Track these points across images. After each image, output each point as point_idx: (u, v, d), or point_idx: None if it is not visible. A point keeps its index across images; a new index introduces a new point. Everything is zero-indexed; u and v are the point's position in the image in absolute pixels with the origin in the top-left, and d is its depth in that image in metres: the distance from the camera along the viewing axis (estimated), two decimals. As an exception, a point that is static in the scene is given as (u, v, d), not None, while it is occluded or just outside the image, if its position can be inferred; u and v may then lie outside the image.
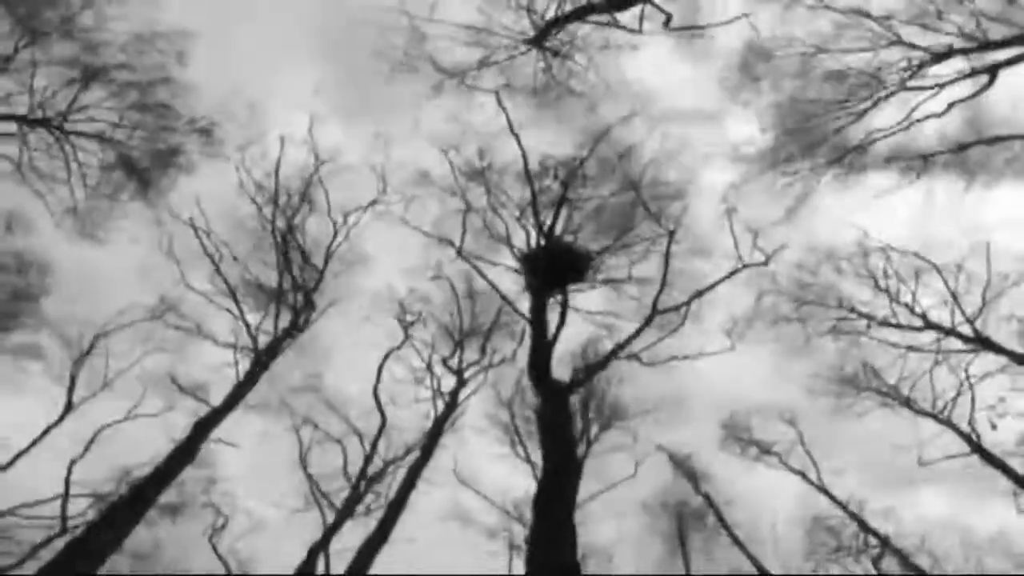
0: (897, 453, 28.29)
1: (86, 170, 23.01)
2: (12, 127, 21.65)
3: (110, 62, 21.76)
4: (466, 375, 29.36)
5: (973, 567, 27.84)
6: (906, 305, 28.40)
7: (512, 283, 27.30)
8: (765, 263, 26.12)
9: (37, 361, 26.42)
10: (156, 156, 23.71)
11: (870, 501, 29.69)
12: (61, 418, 25.39)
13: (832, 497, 29.75)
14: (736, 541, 29.46)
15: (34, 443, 24.47)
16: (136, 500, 20.31)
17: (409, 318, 29.77)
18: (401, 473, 25.70)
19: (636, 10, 22.30)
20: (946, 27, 21.56)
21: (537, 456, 27.33)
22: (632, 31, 22.73)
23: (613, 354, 24.37)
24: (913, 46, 22.13)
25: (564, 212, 26.92)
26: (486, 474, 30.29)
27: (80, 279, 27.31)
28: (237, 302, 27.19)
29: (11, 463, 23.67)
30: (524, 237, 27.08)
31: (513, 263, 26.98)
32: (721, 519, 30.43)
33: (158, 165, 23.93)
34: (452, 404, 28.12)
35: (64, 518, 23.45)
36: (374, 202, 29.58)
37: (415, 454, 25.90)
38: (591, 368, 24.46)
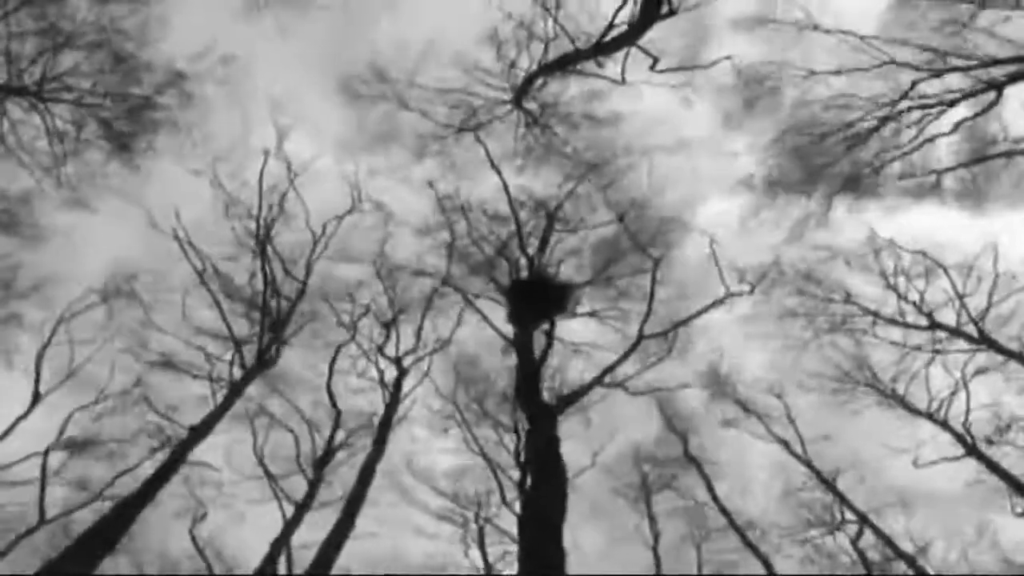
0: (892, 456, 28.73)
1: (66, 136, 23.19)
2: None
3: (81, 24, 21.76)
4: (405, 363, 29.61)
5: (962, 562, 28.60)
6: (913, 304, 28.38)
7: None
8: (751, 292, 26.65)
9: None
10: (131, 112, 23.63)
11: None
12: (29, 410, 26.12)
13: (814, 469, 30.07)
14: (723, 511, 29.78)
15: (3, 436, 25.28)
16: (109, 527, 20.46)
17: (357, 311, 30.24)
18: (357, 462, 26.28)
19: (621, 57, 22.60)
20: (941, 46, 21.38)
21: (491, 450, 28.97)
22: (616, 82, 23.10)
23: (599, 380, 25.08)
24: (908, 65, 21.87)
25: (549, 244, 27.20)
26: (438, 463, 30.84)
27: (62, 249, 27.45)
28: (222, 313, 27.63)
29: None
30: (507, 269, 27.38)
31: (496, 295, 27.28)
32: (709, 484, 30.91)
33: (134, 122, 23.88)
34: (396, 395, 28.30)
35: (42, 509, 24.78)
36: (350, 211, 29.89)
37: (368, 448, 26.00)
38: (576, 393, 25.06)
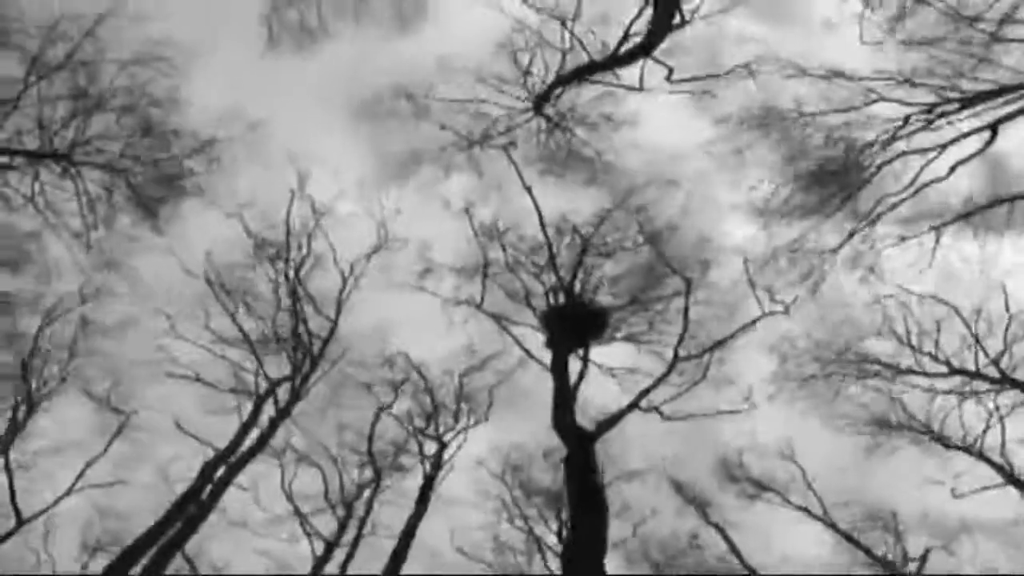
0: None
1: (96, 200, 23.57)
2: (22, 162, 22.39)
3: (110, 89, 22.36)
4: (446, 439, 30.24)
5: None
6: (929, 354, 28.39)
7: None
8: (785, 311, 26.38)
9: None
10: (161, 179, 24.19)
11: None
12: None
13: (838, 530, 29.76)
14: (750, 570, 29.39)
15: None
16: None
17: (400, 377, 30.59)
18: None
19: (638, 66, 23.03)
20: (931, 82, 21.24)
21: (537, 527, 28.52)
22: (633, 88, 23.60)
23: (635, 403, 24.86)
24: (900, 102, 21.73)
25: (583, 269, 27.48)
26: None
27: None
28: (255, 353, 28.14)
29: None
30: (543, 294, 27.66)
31: (533, 321, 27.52)
32: (735, 550, 30.20)
33: (164, 188, 24.45)
34: (437, 463, 28.99)
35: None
36: (377, 249, 30.29)
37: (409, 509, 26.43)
38: (614, 418, 24.76)
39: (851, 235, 24.23)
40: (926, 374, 28.44)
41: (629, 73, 23.62)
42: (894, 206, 23.04)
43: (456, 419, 30.68)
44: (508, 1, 23.19)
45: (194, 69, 23.31)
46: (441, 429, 30.45)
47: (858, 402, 29.71)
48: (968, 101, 20.81)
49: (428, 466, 28.79)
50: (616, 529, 27.07)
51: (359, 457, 29.31)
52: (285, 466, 28.93)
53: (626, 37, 22.35)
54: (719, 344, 26.08)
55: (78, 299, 27.33)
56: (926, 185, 22.43)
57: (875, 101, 21.92)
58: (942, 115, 21.24)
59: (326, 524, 28.06)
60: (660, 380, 25.16)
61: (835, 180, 23.59)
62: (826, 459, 31.63)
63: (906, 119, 21.74)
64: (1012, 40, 19.67)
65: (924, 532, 29.88)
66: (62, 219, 23.47)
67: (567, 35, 23.19)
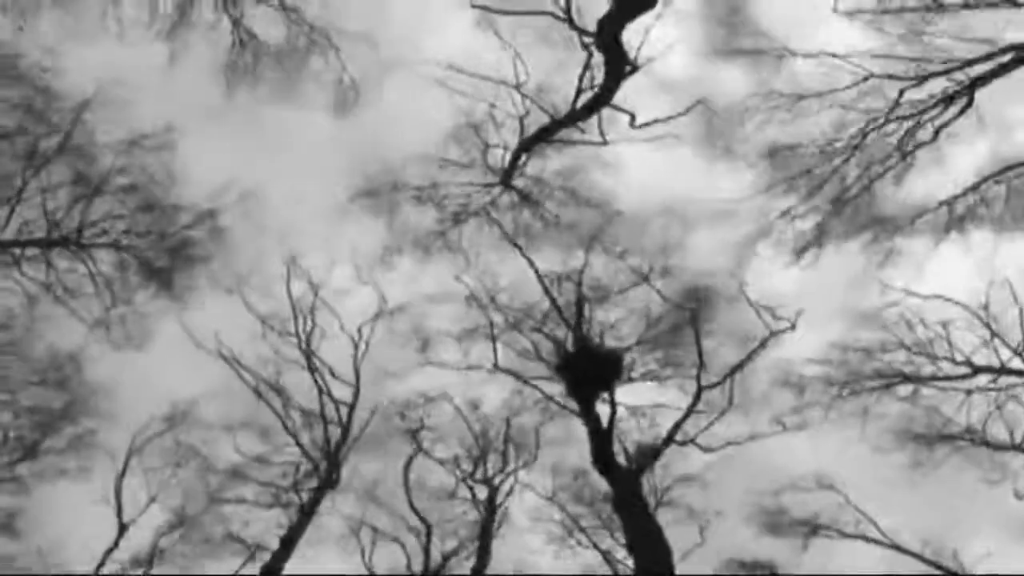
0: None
1: (110, 279, 24.21)
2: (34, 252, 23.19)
3: (108, 171, 23.29)
4: (496, 482, 29.91)
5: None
6: (946, 358, 27.93)
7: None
8: (792, 328, 27.10)
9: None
10: (169, 251, 24.77)
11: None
12: (118, 540, 26.25)
13: (901, 549, 28.54)
14: None
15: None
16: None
17: (414, 426, 30.26)
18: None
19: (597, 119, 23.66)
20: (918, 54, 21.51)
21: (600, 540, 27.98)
22: (596, 143, 24.34)
23: (670, 438, 25.07)
24: (890, 77, 21.87)
25: (585, 315, 27.90)
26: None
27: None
28: (286, 426, 28.45)
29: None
30: (553, 346, 28.07)
31: (548, 372, 27.90)
32: None
33: (173, 259, 24.99)
34: (491, 510, 28.76)
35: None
36: (378, 316, 30.48)
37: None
38: (653, 454, 24.84)
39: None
40: (949, 377, 27.93)
41: (593, 132, 24.24)
42: (886, 171, 23.28)
43: (504, 461, 30.22)
44: (454, 78, 23.93)
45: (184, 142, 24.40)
46: (490, 472, 30.01)
47: (890, 418, 29.00)
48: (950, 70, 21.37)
49: (483, 511, 28.61)
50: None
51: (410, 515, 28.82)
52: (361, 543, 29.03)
53: (579, 92, 22.85)
54: (737, 368, 26.59)
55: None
56: (914, 149, 22.82)
57: (866, 79, 22.13)
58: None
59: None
60: (689, 412, 25.71)
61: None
62: (868, 480, 30.10)
63: (900, 93, 22.00)
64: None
65: (990, 536, 28.61)
66: (81, 302, 24.23)
67: (520, 99, 23.94)
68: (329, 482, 27.12)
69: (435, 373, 29.40)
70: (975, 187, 23.20)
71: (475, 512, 29.27)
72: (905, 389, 28.65)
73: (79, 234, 23.30)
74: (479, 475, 30.03)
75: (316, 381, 29.34)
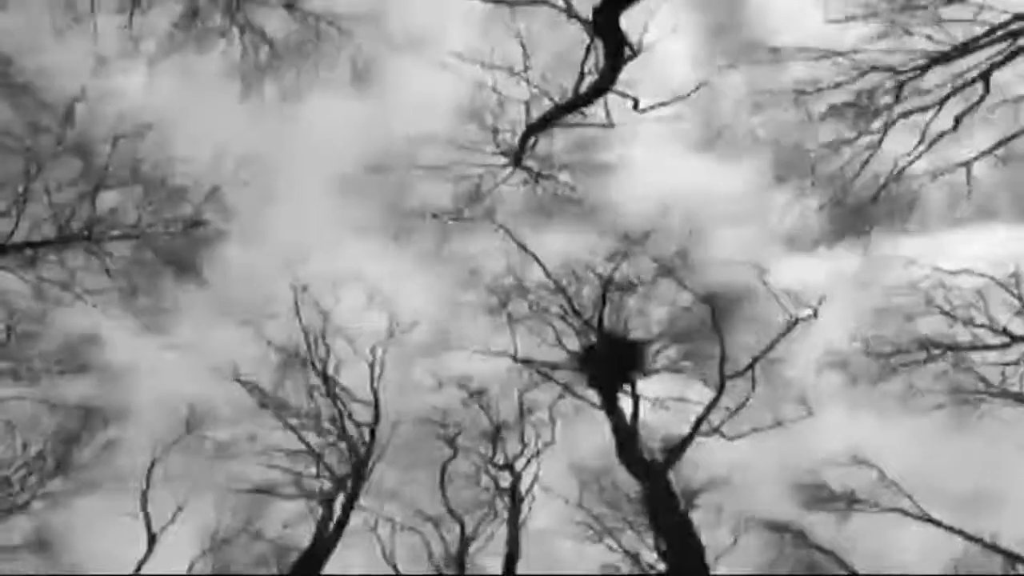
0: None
1: (127, 271, 24.30)
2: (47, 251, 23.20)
3: (108, 164, 23.08)
4: (517, 467, 29.40)
5: None
6: (984, 326, 27.57)
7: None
8: (814, 315, 26.66)
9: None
10: (182, 234, 24.79)
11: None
12: (149, 551, 26.21)
13: (935, 521, 27.72)
14: None
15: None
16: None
17: (452, 431, 29.96)
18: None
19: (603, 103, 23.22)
20: (918, 44, 21.35)
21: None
22: (603, 125, 23.88)
23: (695, 429, 24.65)
24: (890, 69, 21.83)
25: (608, 307, 27.41)
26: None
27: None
28: (311, 450, 28.34)
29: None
30: (575, 335, 27.86)
31: (570, 364, 27.69)
32: (846, 566, 28.19)
33: (188, 241, 25.03)
34: (515, 498, 28.20)
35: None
36: (391, 333, 30.13)
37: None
38: (679, 446, 24.43)
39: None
40: (988, 347, 27.20)
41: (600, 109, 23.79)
42: (911, 162, 23.05)
43: (523, 441, 29.69)
44: (461, 64, 23.80)
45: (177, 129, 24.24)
46: (510, 456, 29.58)
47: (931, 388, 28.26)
48: (946, 56, 21.04)
49: (508, 501, 28.21)
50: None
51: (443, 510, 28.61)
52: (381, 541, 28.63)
53: (582, 76, 22.55)
54: (760, 357, 26.13)
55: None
56: (937, 139, 22.48)
57: (867, 72, 22.02)
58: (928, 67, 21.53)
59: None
60: (714, 403, 25.28)
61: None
62: (902, 457, 29.46)
63: (900, 85, 22.03)
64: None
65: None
66: (101, 297, 24.24)
67: (525, 85, 23.75)
68: (352, 502, 26.93)
69: (454, 359, 29.34)
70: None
71: (500, 501, 28.97)
72: (945, 361, 28.00)
73: (90, 230, 23.22)
74: (499, 459, 29.68)
75: (336, 405, 29.31)
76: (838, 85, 22.41)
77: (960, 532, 27.24)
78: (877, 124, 22.80)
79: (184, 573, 27.03)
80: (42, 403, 25.69)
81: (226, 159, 24.90)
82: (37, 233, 22.91)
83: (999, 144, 22.47)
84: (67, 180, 22.98)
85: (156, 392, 27.91)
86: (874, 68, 21.91)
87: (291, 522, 27.72)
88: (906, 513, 28.37)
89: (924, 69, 21.53)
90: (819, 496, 29.24)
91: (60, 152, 22.59)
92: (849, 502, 29.11)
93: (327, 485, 27.64)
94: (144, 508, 27.06)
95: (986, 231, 25.35)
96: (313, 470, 28.29)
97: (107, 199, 23.57)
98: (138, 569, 25.78)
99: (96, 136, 22.94)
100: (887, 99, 22.32)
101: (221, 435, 28.67)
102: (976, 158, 22.95)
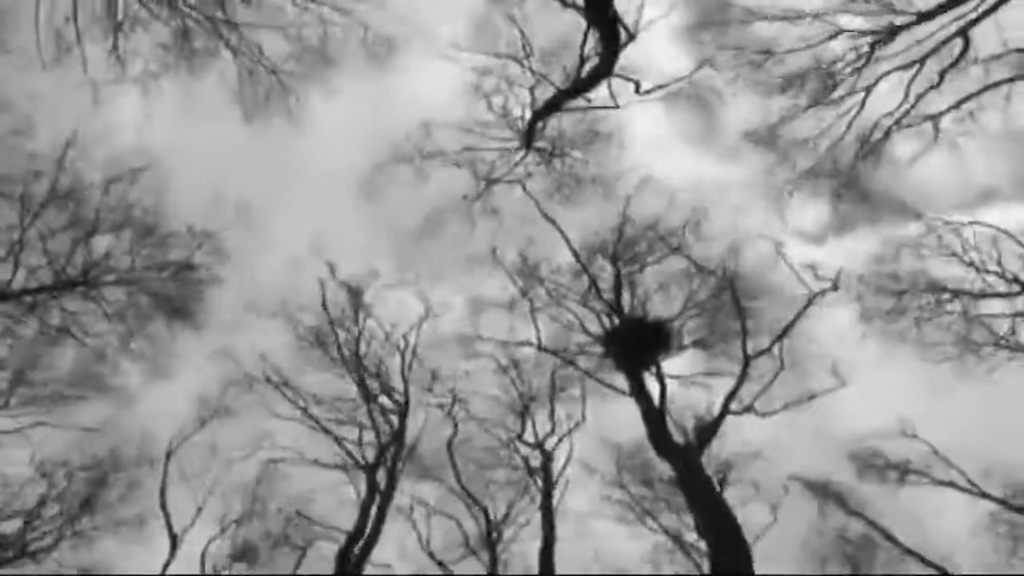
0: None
1: (125, 315, 24.58)
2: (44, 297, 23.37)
3: (101, 209, 23.43)
4: (548, 447, 29.18)
5: None
6: (996, 273, 27.54)
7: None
8: (834, 287, 26.48)
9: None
10: (175, 279, 25.04)
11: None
12: (172, 552, 26.25)
13: (987, 495, 27.59)
14: (908, 551, 27.27)
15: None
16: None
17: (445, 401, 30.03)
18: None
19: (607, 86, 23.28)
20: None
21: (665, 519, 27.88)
22: (608, 107, 24.04)
23: (726, 408, 24.54)
24: (860, 32, 22.12)
25: (626, 288, 27.36)
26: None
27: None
28: (337, 440, 28.46)
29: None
30: (596, 320, 27.70)
31: (594, 348, 27.62)
32: (886, 534, 28.15)
33: (181, 286, 25.24)
34: (548, 479, 27.97)
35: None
36: (424, 319, 30.43)
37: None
38: (711, 426, 24.33)
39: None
40: (1000, 294, 27.09)
41: (604, 93, 23.87)
42: (899, 120, 23.11)
43: (552, 419, 29.50)
44: (462, 53, 24.19)
45: (175, 167, 24.54)
46: (540, 436, 29.41)
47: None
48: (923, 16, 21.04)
49: (540, 481, 27.96)
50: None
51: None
52: (415, 524, 28.56)
53: (582, 61, 22.62)
54: (784, 333, 25.94)
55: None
56: (923, 94, 22.55)
57: (837, 34, 22.26)
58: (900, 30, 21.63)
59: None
60: (741, 381, 25.07)
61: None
62: (950, 433, 29.43)
63: (872, 45, 22.17)
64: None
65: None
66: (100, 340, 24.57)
67: (527, 72, 24.03)
68: (388, 495, 26.82)
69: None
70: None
71: (530, 481, 28.68)
72: (955, 306, 27.89)
73: (86, 275, 23.51)
74: (528, 437, 29.49)
75: (364, 393, 29.30)
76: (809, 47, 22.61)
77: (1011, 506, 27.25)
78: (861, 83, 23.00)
79: (211, 574, 27.04)
80: (60, 428, 25.63)
81: (223, 201, 25.68)
82: (34, 279, 23.08)
83: (967, 98, 22.43)
84: (61, 225, 23.17)
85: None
86: (843, 31, 22.17)
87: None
88: (958, 487, 28.25)
89: (893, 34, 21.75)
90: (872, 465, 29.29)
91: (53, 198, 22.66)
92: (903, 472, 29.09)
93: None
94: (163, 506, 27.00)
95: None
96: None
97: (102, 243, 23.93)
98: (164, 570, 25.95)
99: (89, 181, 23.25)
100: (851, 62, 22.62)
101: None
102: (943, 112, 22.99)
